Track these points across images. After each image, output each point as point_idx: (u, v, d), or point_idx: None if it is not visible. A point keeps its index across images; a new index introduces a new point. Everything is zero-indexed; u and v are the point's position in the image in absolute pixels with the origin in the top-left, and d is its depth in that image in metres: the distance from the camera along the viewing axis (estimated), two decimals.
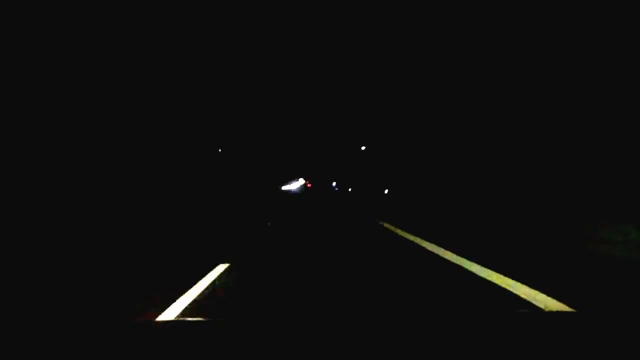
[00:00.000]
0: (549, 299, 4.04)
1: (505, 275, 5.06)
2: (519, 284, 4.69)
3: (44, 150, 18.89)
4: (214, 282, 4.84)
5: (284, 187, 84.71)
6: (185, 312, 3.80)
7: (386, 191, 38.90)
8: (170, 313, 3.76)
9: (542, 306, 3.83)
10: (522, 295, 4.25)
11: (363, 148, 66.13)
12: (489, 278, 5.04)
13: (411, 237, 9.22)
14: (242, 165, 59.86)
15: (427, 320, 1.48)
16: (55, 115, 20.00)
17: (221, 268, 5.55)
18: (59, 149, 19.66)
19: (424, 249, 7.71)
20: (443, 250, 7.21)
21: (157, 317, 3.59)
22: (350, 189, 62.28)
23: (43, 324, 2.08)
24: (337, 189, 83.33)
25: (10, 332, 1.23)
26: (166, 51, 34.21)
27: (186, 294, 4.31)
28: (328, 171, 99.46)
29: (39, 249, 7.29)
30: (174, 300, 4.04)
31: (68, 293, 4.44)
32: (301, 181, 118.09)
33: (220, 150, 48.71)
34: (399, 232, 10.35)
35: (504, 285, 4.68)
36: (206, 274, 5.18)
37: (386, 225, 12.15)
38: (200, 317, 3.53)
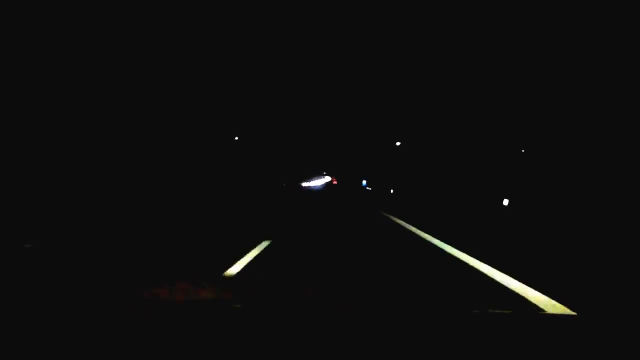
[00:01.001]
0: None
1: None
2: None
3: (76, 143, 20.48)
4: None
5: (305, 184, 76.09)
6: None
7: (506, 202, 24.16)
8: None
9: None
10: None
11: (398, 144, 59.70)
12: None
13: None
14: (261, 157, 54.41)
15: (421, 317, 1.51)
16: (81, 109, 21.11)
17: None
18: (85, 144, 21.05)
19: None
20: None
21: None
22: (392, 190, 53.75)
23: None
24: (368, 188, 72.87)
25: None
26: (189, 40, 34.88)
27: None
28: (357, 167, 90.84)
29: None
30: None
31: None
32: (326, 178, 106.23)
33: (237, 138, 43.46)
34: None
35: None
36: None
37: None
38: None
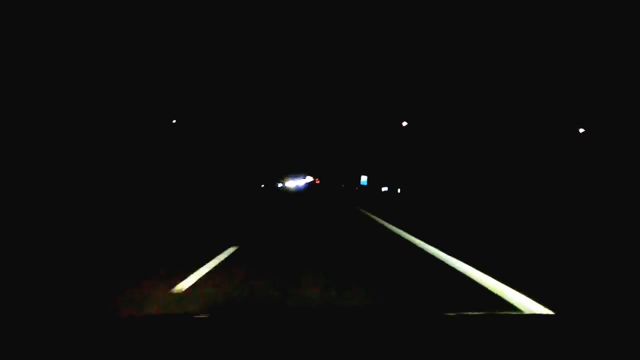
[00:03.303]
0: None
1: None
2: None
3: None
4: None
5: (280, 185, 54.79)
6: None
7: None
8: None
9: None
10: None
11: (405, 124, 46.81)
12: None
13: None
14: (208, 146, 39.79)
15: (405, 317, 1.55)
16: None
17: None
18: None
19: None
20: None
21: None
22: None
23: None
24: (385, 188, 46.47)
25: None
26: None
27: None
28: (353, 162, 69.79)
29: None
30: None
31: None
32: (307, 178, 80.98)
33: (174, 121, 30.66)
34: None
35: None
36: None
37: None
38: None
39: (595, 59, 25.70)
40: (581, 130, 31.93)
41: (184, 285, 4.15)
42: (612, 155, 25.31)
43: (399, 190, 43.78)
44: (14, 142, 19.23)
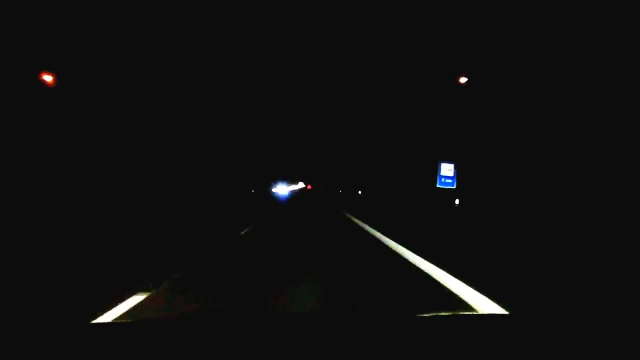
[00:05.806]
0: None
1: None
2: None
3: None
4: None
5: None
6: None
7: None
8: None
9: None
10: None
11: (464, 80, 37.45)
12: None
13: None
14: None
15: (357, 320, 1.57)
16: None
17: None
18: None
19: None
20: None
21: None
22: None
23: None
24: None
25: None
26: None
27: None
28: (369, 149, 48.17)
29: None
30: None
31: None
32: (298, 185, 61.81)
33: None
34: None
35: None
36: None
37: None
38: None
39: None
40: None
41: None
42: None
43: None
44: None
